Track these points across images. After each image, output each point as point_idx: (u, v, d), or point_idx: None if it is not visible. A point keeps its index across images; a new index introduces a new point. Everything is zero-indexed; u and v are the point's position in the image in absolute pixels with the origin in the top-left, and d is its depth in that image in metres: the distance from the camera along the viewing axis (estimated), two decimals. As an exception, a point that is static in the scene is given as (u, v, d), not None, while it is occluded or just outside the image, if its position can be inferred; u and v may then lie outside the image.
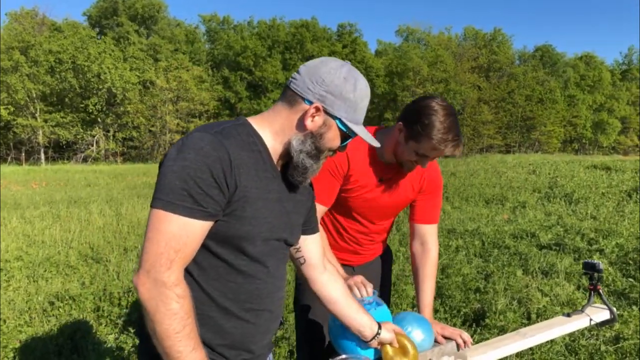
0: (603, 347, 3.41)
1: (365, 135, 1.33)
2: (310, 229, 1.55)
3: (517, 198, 10.78)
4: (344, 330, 1.74)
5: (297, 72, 1.30)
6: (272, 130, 1.31)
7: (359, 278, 1.79)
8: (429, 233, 2.15)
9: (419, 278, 2.13)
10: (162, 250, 1.12)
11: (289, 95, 1.29)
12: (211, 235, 1.21)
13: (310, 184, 1.53)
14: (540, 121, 45.19)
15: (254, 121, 1.32)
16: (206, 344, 1.24)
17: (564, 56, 55.98)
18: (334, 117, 1.29)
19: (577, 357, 3.29)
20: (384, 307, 1.78)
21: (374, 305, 1.75)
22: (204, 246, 1.22)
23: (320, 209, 1.99)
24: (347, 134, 1.33)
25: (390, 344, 1.61)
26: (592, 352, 3.36)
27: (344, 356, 1.59)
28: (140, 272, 1.12)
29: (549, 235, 6.94)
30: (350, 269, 2.17)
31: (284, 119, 1.30)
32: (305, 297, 2.16)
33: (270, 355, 1.55)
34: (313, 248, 1.57)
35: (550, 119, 45.72)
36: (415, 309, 4.28)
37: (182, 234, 1.13)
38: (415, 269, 2.16)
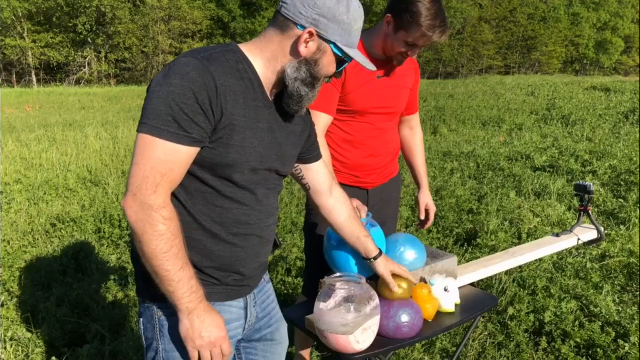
0: (589, 265, 3.54)
1: (362, 59, 1.30)
2: (312, 157, 1.55)
3: (514, 120, 10.76)
4: (338, 249, 1.80)
5: None
6: (264, 58, 1.27)
7: (355, 202, 1.82)
8: (414, 119, 2.40)
9: (413, 154, 2.42)
10: (148, 174, 1.12)
11: (280, 21, 1.25)
12: (198, 161, 1.21)
13: (308, 112, 1.51)
14: (542, 41, 44.14)
15: (245, 48, 1.28)
16: (196, 266, 1.27)
17: (570, -28, 53.73)
18: (329, 42, 1.25)
19: (563, 274, 3.42)
20: (378, 228, 1.82)
21: (368, 227, 1.80)
22: (191, 172, 1.22)
23: (326, 119, 2.01)
24: (342, 59, 1.30)
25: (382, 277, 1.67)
26: (578, 269, 3.49)
27: (338, 274, 1.65)
28: (128, 195, 1.13)
29: (544, 157, 7.00)
30: (364, 192, 2.19)
31: (276, 46, 1.26)
32: (311, 219, 2.21)
33: (267, 276, 1.59)
34: (317, 175, 1.58)
35: (552, 38, 44.64)
36: (408, 229, 4.40)
37: (168, 159, 1.13)
38: (408, 148, 2.42)
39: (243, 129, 1.23)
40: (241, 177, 1.27)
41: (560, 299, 3.07)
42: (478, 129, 10.20)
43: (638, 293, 3.22)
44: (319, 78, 1.29)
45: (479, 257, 3.64)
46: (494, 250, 3.83)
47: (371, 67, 1.35)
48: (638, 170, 5.91)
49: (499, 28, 42.88)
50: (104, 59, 34.11)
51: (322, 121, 2.00)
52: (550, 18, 44.72)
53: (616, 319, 2.87)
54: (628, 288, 3.32)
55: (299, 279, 3.45)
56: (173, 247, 1.15)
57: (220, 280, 1.35)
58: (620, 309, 3.00)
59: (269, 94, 1.31)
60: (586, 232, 2.45)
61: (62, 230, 4.39)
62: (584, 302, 3.07)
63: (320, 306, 1.58)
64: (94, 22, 32.41)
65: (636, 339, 2.65)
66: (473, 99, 15.54)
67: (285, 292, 3.32)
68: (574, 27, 48.01)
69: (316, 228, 2.20)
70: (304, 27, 1.22)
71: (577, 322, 2.84)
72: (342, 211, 1.63)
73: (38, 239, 4.27)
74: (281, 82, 1.28)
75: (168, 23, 34.46)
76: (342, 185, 2.13)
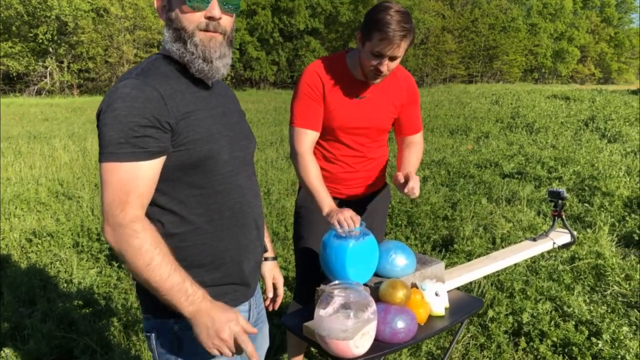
0: (561, 267, 3.70)
1: None
2: None
3: (480, 128, 11.06)
4: (334, 258, 1.87)
5: None
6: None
7: (349, 212, 1.88)
8: (415, 139, 2.27)
9: (404, 161, 2.19)
10: (113, 197, 1.15)
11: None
12: (179, 167, 1.24)
13: (235, 95, 1.54)
14: (503, 50, 45.34)
15: (164, 51, 1.31)
16: (207, 284, 1.29)
17: (527, -17, 55.49)
18: None
19: (538, 276, 3.58)
20: (371, 237, 1.90)
21: (362, 236, 1.87)
22: (175, 180, 1.25)
23: (313, 135, 2.07)
24: None
25: None
26: (550, 272, 3.65)
27: (336, 282, 1.71)
28: (104, 224, 1.17)
29: (511, 164, 7.24)
30: (336, 201, 2.26)
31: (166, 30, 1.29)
32: (301, 227, 2.26)
33: (258, 287, 1.63)
34: None
35: (512, 47, 45.91)
36: (386, 236, 4.50)
37: (130, 177, 1.15)
38: (400, 161, 2.21)
39: (203, 120, 1.27)
40: (223, 165, 1.31)
41: (536, 301, 3.22)
42: (446, 137, 10.45)
43: (606, 293, 3.40)
44: (184, 26, 1.24)
45: (457, 262, 3.77)
46: (470, 255, 3.97)
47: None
48: (600, 175, 6.18)
49: (461, 38, 43.89)
50: (66, 68, 33.34)
51: (308, 138, 2.06)
52: (510, 28, 46.02)
53: (588, 317, 3.02)
54: (597, 288, 3.49)
55: (284, 288, 3.49)
56: (155, 257, 1.16)
57: (232, 282, 1.38)
58: (592, 308, 3.16)
59: (207, 82, 1.35)
60: (560, 236, 2.59)
61: (39, 245, 4.32)
62: (558, 302, 3.22)
63: (320, 313, 1.65)
64: (55, 31, 31.66)
65: (608, 336, 2.80)
66: (440, 107, 15.87)
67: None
68: (532, 37, 49.53)
69: (305, 234, 2.26)
70: None
71: (552, 322, 2.99)
72: None
73: (13, 254, 4.19)
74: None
75: (133, 32, 33.97)
76: None
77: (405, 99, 2.20)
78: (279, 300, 1.78)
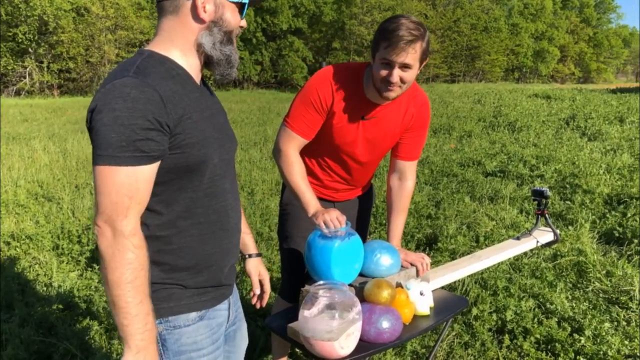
0: (543, 264, 3.73)
1: None
2: None
3: (463, 127, 11.13)
4: (319, 258, 1.85)
5: None
6: (178, 47, 1.27)
7: (335, 213, 1.86)
8: (409, 168, 2.21)
9: (392, 211, 2.23)
10: (116, 199, 1.12)
11: (167, 8, 1.25)
12: (173, 170, 1.22)
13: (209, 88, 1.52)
14: (485, 50, 45.75)
15: (157, 48, 1.26)
16: (191, 287, 1.29)
17: (508, -16, 56.09)
18: None
19: (521, 274, 3.60)
20: (357, 237, 1.89)
21: (347, 236, 1.86)
22: (167, 183, 1.23)
23: (301, 141, 2.03)
24: (241, 3, 1.32)
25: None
26: (533, 269, 3.68)
27: (320, 282, 1.70)
28: (99, 222, 1.13)
29: (493, 162, 7.29)
30: (331, 204, 2.25)
31: (180, 30, 1.26)
32: (287, 224, 2.25)
33: (235, 286, 1.60)
34: None
35: (494, 47, 46.35)
36: (370, 236, 4.49)
37: (132, 180, 1.13)
38: (390, 203, 2.24)
39: (198, 122, 1.25)
40: (213, 169, 1.30)
41: (520, 298, 3.24)
42: (429, 136, 10.49)
43: (588, 289, 3.43)
44: (232, 31, 1.31)
45: (441, 261, 3.79)
46: (454, 253, 3.98)
47: None
48: (581, 173, 6.25)
49: (443, 38, 44.17)
50: (46, 69, 32.84)
51: (297, 142, 2.03)
52: (491, 28, 46.45)
53: (570, 314, 3.05)
54: (579, 285, 3.53)
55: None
56: (137, 278, 1.13)
57: (213, 285, 1.38)
58: (574, 305, 3.18)
59: (197, 82, 1.33)
60: (544, 235, 2.61)
61: (17, 248, 4.23)
62: (541, 299, 3.25)
63: (305, 313, 1.63)
64: (36, 31, 31.18)
65: (590, 332, 2.82)
66: (423, 106, 15.95)
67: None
68: (513, 37, 50.05)
69: (291, 230, 2.24)
70: None
71: (535, 319, 3.01)
72: None
73: (-9, 258, 4.11)
74: (205, 58, 1.31)
75: (114, 32, 33.59)
76: None
77: (412, 123, 2.12)
78: (266, 297, 1.76)
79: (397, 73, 1.82)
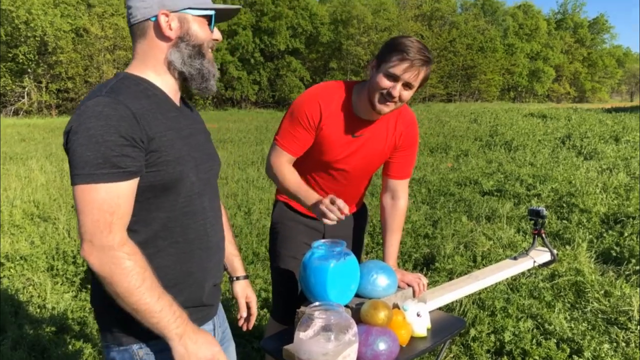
0: (541, 284, 3.71)
1: (223, 5, 1.34)
2: None
3: (459, 147, 11.17)
4: (314, 278, 1.83)
5: (127, 7, 1.29)
6: (151, 68, 1.29)
7: (337, 200, 1.77)
8: (401, 186, 2.20)
9: (387, 231, 2.22)
10: (97, 217, 1.12)
11: (137, 32, 1.28)
12: (148, 188, 1.22)
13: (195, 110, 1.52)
14: (480, 70, 46.18)
15: (133, 70, 1.29)
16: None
17: (503, 5, 56.86)
18: (183, 10, 1.27)
19: (519, 294, 3.58)
20: (352, 257, 1.88)
21: (342, 256, 1.85)
22: (143, 202, 1.22)
23: (290, 158, 2.03)
24: (208, 16, 1.31)
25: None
26: (531, 289, 3.66)
27: (316, 303, 1.68)
28: (84, 244, 1.13)
29: (490, 182, 7.30)
30: (321, 223, 2.22)
31: (150, 51, 1.28)
32: (277, 243, 2.23)
33: (220, 306, 1.59)
34: None
35: (489, 67, 46.79)
36: (368, 255, 4.47)
37: (112, 196, 1.13)
38: (384, 222, 2.23)
39: (174, 141, 1.25)
40: (190, 187, 1.30)
41: (518, 319, 3.21)
42: (426, 155, 10.53)
43: (587, 310, 3.41)
44: (201, 44, 1.31)
45: (438, 281, 3.76)
46: (451, 273, 3.96)
47: (235, 6, 1.40)
48: (577, 192, 6.26)
49: (439, 58, 44.59)
50: (44, 88, 32.98)
51: (286, 158, 2.03)
52: (487, 48, 46.95)
53: (569, 335, 3.02)
54: (577, 305, 3.51)
55: (264, 309, 3.44)
56: (145, 280, 1.15)
57: (195, 305, 1.36)
58: (572, 326, 3.16)
59: (176, 102, 1.34)
60: (541, 255, 2.59)
61: (12, 269, 4.20)
62: (539, 320, 3.22)
63: (300, 336, 1.61)
64: (35, 51, 31.38)
65: (589, 354, 2.80)
66: (419, 126, 15.83)
67: (251, 323, 3.30)
68: (509, 57, 50.55)
69: (280, 250, 2.22)
70: (155, 16, 1.25)
71: (534, 340, 2.98)
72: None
73: (-15, 279, 4.07)
74: (180, 76, 1.32)
75: (113, 52, 33.83)
76: (299, 214, 2.20)
77: (401, 142, 2.12)
78: (253, 319, 1.75)
79: (399, 89, 1.84)
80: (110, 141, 1.11)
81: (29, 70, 32.57)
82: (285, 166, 2.03)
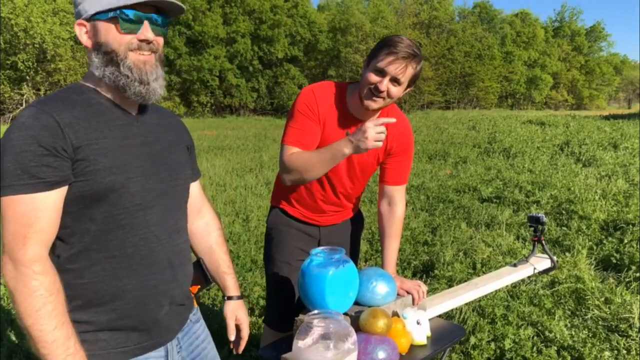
0: (541, 292, 3.69)
1: (130, 0, 1.20)
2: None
3: (458, 153, 11.18)
4: (313, 286, 1.82)
5: None
6: (96, 77, 1.26)
7: (374, 129, 1.76)
8: (398, 193, 2.18)
9: (385, 238, 2.20)
10: (14, 230, 1.10)
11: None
12: (79, 199, 1.18)
13: (182, 124, 1.49)
14: (478, 77, 46.31)
15: (86, 79, 1.28)
16: (108, 329, 1.23)
17: (501, 13, 57.09)
18: (93, 18, 1.22)
19: (519, 301, 3.56)
20: (351, 264, 1.86)
21: (341, 263, 1.83)
22: (75, 213, 1.19)
23: (298, 151, 1.95)
24: (122, 17, 1.20)
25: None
26: (531, 296, 3.64)
27: (315, 311, 1.66)
28: (3, 256, 1.11)
29: (489, 188, 7.29)
30: (316, 228, 2.22)
31: (89, 62, 1.27)
32: (271, 248, 2.22)
33: (194, 315, 1.52)
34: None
35: (487, 74, 46.93)
36: (367, 263, 4.45)
37: (30, 209, 1.11)
38: (382, 229, 2.21)
39: (108, 150, 1.21)
40: (130, 199, 1.24)
41: (518, 326, 3.19)
42: (425, 162, 10.53)
43: (587, 317, 3.39)
44: (115, 49, 1.22)
45: (438, 288, 3.74)
46: (451, 280, 3.94)
47: None
48: (577, 199, 6.25)
49: (438, 65, 44.73)
50: (43, 96, 32.95)
51: (295, 150, 1.95)
52: (485, 55, 47.12)
53: (570, 342, 3.00)
54: (577, 312, 3.48)
55: (262, 317, 3.41)
56: (47, 305, 1.10)
57: (135, 327, 1.29)
58: (573, 333, 3.14)
59: (130, 109, 1.31)
60: (541, 262, 2.58)
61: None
62: (540, 327, 3.20)
63: (299, 344, 1.59)
64: (34, 59, 31.43)
65: (590, 361, 2.78)
66: (418, 133, 16.04)
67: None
68: (507, 64, 50.74)
69: (274, 255, 2.21)
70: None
71: (535, 348, 2.96)
72: (202, 240, 1.61)
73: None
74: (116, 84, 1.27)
75: (111, 60, 33.88)
76: (294, 219, 2.18)
77: (394, 147, 2.11)
78: (243, 344, 1.69)
79: (386, 83, 1.85)
80: (29, 151, 1.10)
81: (28, 77, 32.62)
82: (296, 152, 1.94)
